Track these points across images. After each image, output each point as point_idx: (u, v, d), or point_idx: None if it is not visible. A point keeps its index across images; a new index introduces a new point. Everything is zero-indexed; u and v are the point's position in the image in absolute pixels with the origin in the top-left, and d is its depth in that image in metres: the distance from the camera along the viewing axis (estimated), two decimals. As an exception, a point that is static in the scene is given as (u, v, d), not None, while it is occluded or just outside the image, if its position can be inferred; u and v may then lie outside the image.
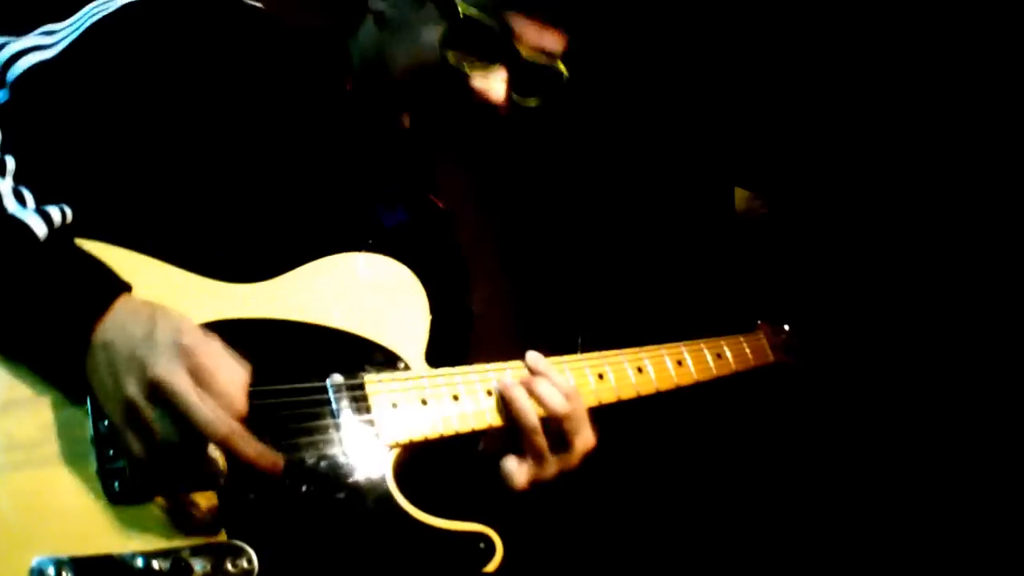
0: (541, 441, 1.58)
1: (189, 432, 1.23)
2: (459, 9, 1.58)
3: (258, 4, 1.75)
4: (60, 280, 1.31)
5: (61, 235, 1.36)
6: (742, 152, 3.09)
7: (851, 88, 2.89)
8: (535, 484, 1.59)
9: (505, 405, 1.59)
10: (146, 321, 1.28)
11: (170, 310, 1.32)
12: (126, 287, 1.34)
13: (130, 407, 1.25)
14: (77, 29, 1.53)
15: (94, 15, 1.54)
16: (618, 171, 3.34)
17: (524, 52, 1.63)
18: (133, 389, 1.24)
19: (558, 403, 1.58)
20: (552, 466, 1.60)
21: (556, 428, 1.59)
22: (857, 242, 2.76)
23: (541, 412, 1.59)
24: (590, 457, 1.64)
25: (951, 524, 2.65)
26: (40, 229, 1.33)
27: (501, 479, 1.58)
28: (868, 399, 2.66)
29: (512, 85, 1.65)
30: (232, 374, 1.28)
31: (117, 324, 1.29)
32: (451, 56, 1.61)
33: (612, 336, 1.76)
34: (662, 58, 3.16)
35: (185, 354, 1.25)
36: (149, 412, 1.24)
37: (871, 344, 2.25)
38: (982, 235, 2.67)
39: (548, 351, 1.70)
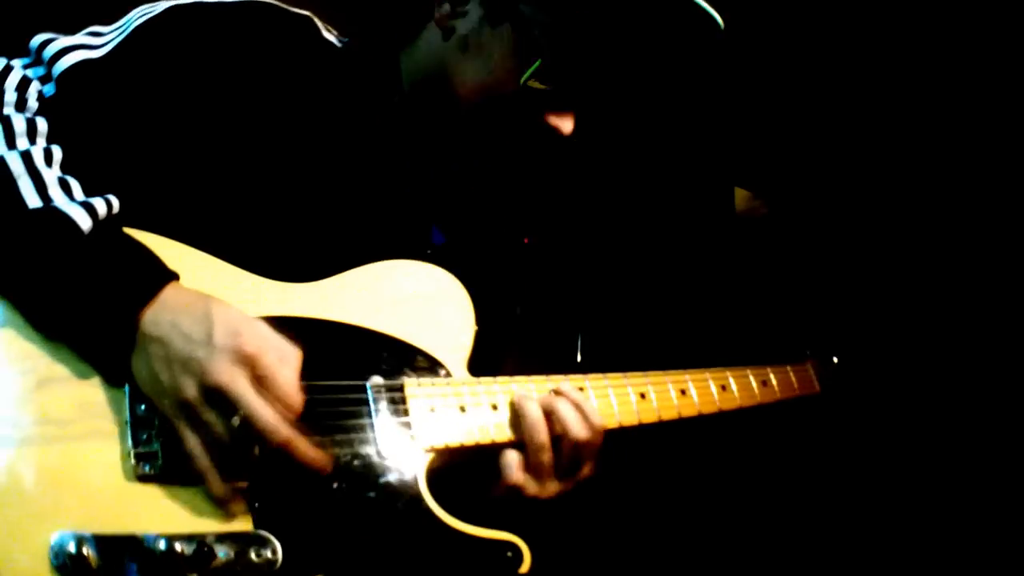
0: (545, 459, 1.55)
1: (246, 433, 1.27)
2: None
3: (305, 12, 1.74)
4: (106, 267, 1.32)
5: (108, 225, 1.37)
6: (742, 152, 3.03)
7: (851, 89, 2.85)
8: (532, 498, 1.56)
9: (516, 418, 1.57)
10: (202, 319, 1.29)
11: (226, 306, 1.32)
12: (174, 276, 1.35)
13: (187, 406, 1.28)
14: (124, 31, 1.55)
15: (142, 16, 1.57)
16: (621, 175, 3.28)
17: None
18: (192, 391, 1.27)
19: (578, 427, 1.56)
20: (552, 486, 1.58)
21: (569, 451, 1.56)
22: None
23: (557, 431, 1.56)
24: (585, 483, 1.61)
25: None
26: (84, 222, 1.34)
27: (498, 467, 1.56)
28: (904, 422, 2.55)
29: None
30: (290, 375, 1.31)
31: (169, 316, 1.30)
32: (533, 86, 1.60)
33: (612, 338, 1.73)
34: (661, 59, 3.15)
35: (247, 362, 1.28)
36: (208, 414, 1.27)
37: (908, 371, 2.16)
38: (985, 237, 2.60)
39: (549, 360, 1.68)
